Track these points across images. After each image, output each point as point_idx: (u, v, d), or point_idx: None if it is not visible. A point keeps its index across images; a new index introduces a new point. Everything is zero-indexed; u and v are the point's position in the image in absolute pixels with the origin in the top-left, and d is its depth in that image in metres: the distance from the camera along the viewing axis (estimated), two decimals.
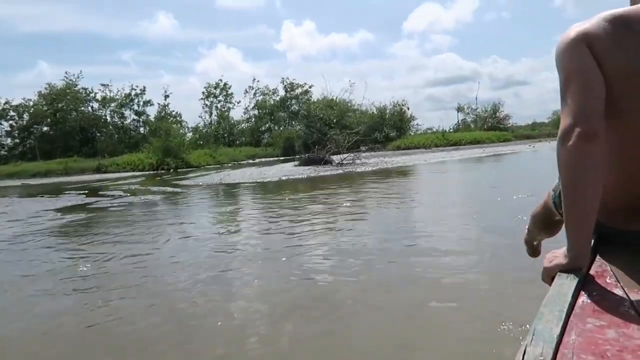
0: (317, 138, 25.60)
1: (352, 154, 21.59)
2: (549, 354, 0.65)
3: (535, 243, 1.68)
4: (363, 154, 21.96)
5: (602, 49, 1.03)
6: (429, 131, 41.37)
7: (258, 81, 25.83)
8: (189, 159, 30.50)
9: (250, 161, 34.99)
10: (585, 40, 1.05)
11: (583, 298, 0.86)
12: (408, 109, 40.52)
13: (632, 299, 0.83)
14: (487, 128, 44.72)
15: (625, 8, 1.09)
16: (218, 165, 30.70)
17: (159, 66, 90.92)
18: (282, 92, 53.11)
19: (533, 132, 39.51)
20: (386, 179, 12.91)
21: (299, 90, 52.94)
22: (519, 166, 15.41)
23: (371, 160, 20.95)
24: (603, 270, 1.00)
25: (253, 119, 53.33)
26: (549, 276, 1.03)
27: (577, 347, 0.68)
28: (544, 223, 1.51)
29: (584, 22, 1.08)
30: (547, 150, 22.89)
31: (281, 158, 34.42)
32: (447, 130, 45.09)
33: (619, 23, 1.05)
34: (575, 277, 0.93)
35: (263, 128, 52.54)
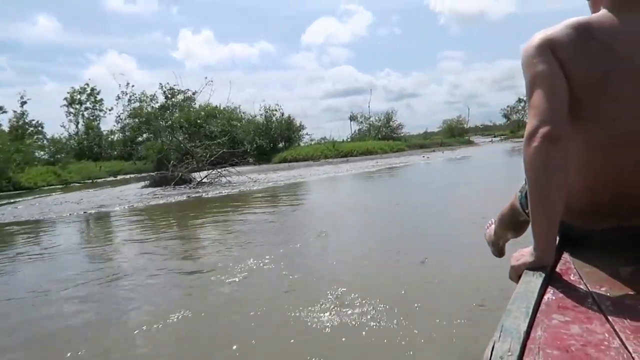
0: (188, 150, 20.87)
1: (215, 171, 17.37)
2: (517, 350, 0.66)
3: (500, 243, 1.76)
4: (233, 169, 17.78)
5: (566, 55, 1.07)
6: (323, 140, 38.39)
7: (133, 86, 20.39)
8: (20, 178, 24.03)
9: (112, 178, 29.17)
10: (549, 46, 1.09)
11: (549, 295, 0.89)
12: (293, 119, 36.95)
13: (594, 295, 0.87)
14: (381, 137, 43.55)
15: (588, 16, 1.14)
16: (62, 186, 24.59)
17: (40, 72, 79.55)
18: (161, 99, 47.11)
19: (426, 142, 38.22)
20: (241, 209, 8.87)
21: (181, 97, 47.35)
22: (420, 184, 12.24)
23: (240, 179, 16.89)
24: (567, 268, 1.05)
25: (127, 130, 46.61)
26: (516, 274, 1.06)
27: (542, 342, 0.70)
28: (511, 223, 1.57)
29: (549, 29, 1.12)
30: (441, 162, 20.55)
31: (152, 174, 29.11)
32: (344, 140, 42.92)
33: (582, 30, 1.09)
34: (541, 274, 0.97)
35: (140, 139, 46.20)
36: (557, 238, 1.12)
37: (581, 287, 0.93)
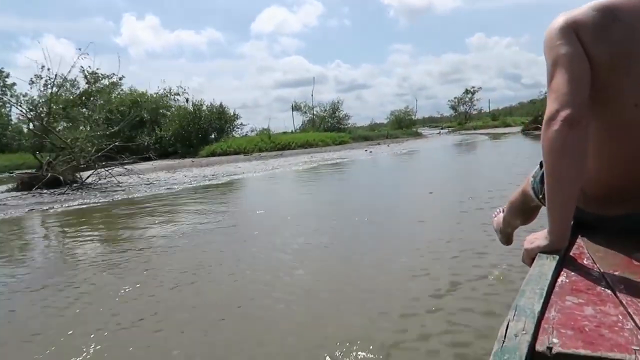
0: (66, 144, 16.89)
1: (102, 170, 13.78)
2: (531, 328, 0.67)
3: (509, 231, 1.78)
4: (128, 168, 14.20)
5: (590, 38, 1.05)
6: (266, 132, 34.80)
7: (49, 69, 16.09)
8: None
9: None
10: (573, 28, 1.07)
11: (562, 278, 0.90)
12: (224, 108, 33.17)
13: (607, 279, 0.88)
14: (326, 128, 40.90)
15: None
16: None
17: None
18: (84, 84, 41.78)
19: (372, 133, 35.51)
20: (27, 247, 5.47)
21: (106, 82, 42.25)
22: (350, 197, 9.21)
23: (132, 180, 13.35)
24: (581, 253, 1.06)
25: (44, 117, 41.12)
26: (529, 257, 1.07)
27: (557, 322, 0.71)
28: (521, 210, 1.57)
29: (573, 10, 1.10)
30: (386, 157, 17.76)
31: (22, 173, 24.73)
32: (294, 131, 39.71)
33: (606, 12, 1.06)
34: (555, 257, 0.98)
35: (59, 128, 40.93)
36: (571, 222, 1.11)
37: (594, 270, 0.94)
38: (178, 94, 34.33)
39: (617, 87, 1.06)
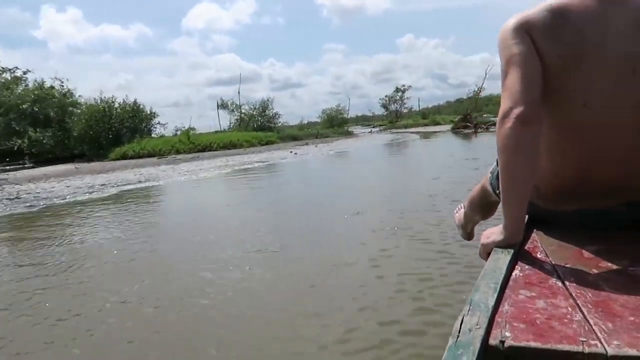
0: None
1: None
2: (484, 322, 0.68)
3: (469, 227, 1.83)
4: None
5: (541, 38, 1.09)
6: (192, 131, 32.04)
7: None
8: None
9: None
10: (525, 28, 1.10)
11: (516, 272, 0.93)
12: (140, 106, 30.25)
13: (559, 271, 0.92)
14: (256, 128, 39.03)
15: (565, 0, 1.12)
16: None
17: None
18: None
19: (300, 133, 33.76)
20: None
21: (7, 76, 37.48)
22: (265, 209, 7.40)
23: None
24: (535, 247, 1.10)
25: None
26: (485, 251, 1.10)
27: (509, 316, 0.73)
28: (481, 205, 1.62)
29: (526, 11, 1.14)
30: (312, 160, 16.19)
31: None
32: (226, 130, 37.47)
33: (557, 14, 1.10)
34: (510, 252, 1.01)
35: None
36: (526, 217, 1.15)
37: (547, 264, 0.98)
38: (53, 87, 30.63)
39: (567, 87, 1.10)
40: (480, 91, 35.50)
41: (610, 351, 0.61)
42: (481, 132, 25.22)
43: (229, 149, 24.80)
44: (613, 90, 1.08)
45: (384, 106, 56.02)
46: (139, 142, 25.90)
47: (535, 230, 1.22)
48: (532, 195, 1.16)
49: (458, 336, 0.66)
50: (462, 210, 1.83)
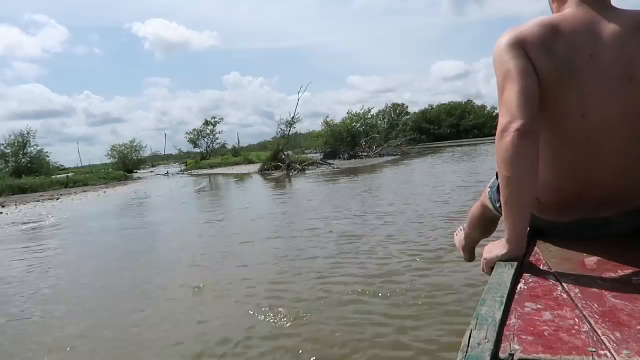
0: None
1: None
2: (493, 337, 0.68)
3: (472, 245, 1.83)
4: None
5: (536, 53, 1.10)
6: None
7: None
8: None
9: None
10: (520, 43, 1.11)
11: (521, 285, 0.93)
12: None
13: (563, 283, 0.92)
14: (13, 172, 28.26)
15: (554, 15, 1.19)
16: None
17: None
18: None
19: (43, 182, 23.24)
20: None
21: None
22: None
23: None
24: (538, 259, 1.10)
25: None
26: (488, 266, 1.10)
27: (517, 329, 0.73)
28: (481, 222, 1.63)
29: (519, 27, 1.15)
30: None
31: None
32: None
33: (549, 28, 1.12)
34: (513, 265, 1.01)
35: None
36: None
37: (551, 276, 0.97)
38: None
39: (564, 99, 1.10)
40: (294, 122, 29.37)
41: None
42: (295, 174, 19.29)
43: None
44: (610, 99, 1.09)
45: (192, 141, 47.98)
46: None
47: (536, 242, 1.23)
48: (533, 207, 1.15)
49: (467, 351, 0.66)
50: (462, 233, 1.86)
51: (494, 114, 57.11)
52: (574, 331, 0.70)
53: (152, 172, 39.18)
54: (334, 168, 20.23)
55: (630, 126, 1.10)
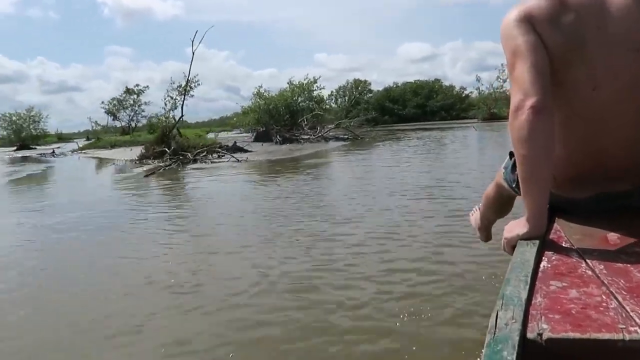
0: None
1: None
2: (520, 316, 0.67)
3: (487, 225, 1.84)
4: None
5: (544, 27, 1.08)
6: None
7: None
8: None
9: None
10: (528, 19, 1.09)
11: (544, 263, 0.91)
12: None
13: (587, 260, 0.90)
14: None
15: None
16: None
17: None
18: None
19: None
20: None
21: None
22: None
23: None
24: (559, 236, 1.07)
25: None
26: (509, 245, 1.09)
27: (544, 307, 0.71)
28: (496, 202, 1.63)
29: (525, 2, 1.12)
30: None
31: None
32: None
33: (556, 1, 1.09)
34: (535, 243, 0.98)
35: None
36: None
37: (574, 253, 0.95)
38: None
39: (574, 72, 1.08)
40: (191, 88, 20.17)
41: None
42: (183, 168, 12.51)
43: None
44: (620, 71, 1.08)
45: (110, 113, 39.93)
46: None
47: (556, 219, 1.19)
48: (550, 184, 1.12)
49: (495, 332, 0.65)
50: (478, 213, 1.85)
51: (463, 95, 51.55)
52: (601, 308, 0.69)
53: (51, 149, 31.37)
54: (239, 161, 13.28)
55: None
